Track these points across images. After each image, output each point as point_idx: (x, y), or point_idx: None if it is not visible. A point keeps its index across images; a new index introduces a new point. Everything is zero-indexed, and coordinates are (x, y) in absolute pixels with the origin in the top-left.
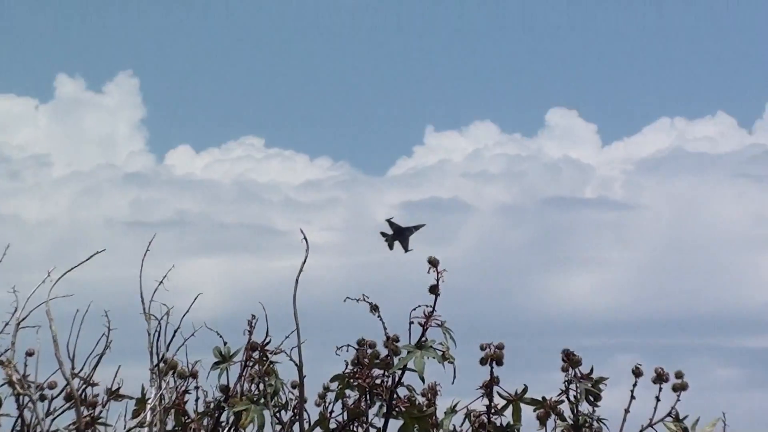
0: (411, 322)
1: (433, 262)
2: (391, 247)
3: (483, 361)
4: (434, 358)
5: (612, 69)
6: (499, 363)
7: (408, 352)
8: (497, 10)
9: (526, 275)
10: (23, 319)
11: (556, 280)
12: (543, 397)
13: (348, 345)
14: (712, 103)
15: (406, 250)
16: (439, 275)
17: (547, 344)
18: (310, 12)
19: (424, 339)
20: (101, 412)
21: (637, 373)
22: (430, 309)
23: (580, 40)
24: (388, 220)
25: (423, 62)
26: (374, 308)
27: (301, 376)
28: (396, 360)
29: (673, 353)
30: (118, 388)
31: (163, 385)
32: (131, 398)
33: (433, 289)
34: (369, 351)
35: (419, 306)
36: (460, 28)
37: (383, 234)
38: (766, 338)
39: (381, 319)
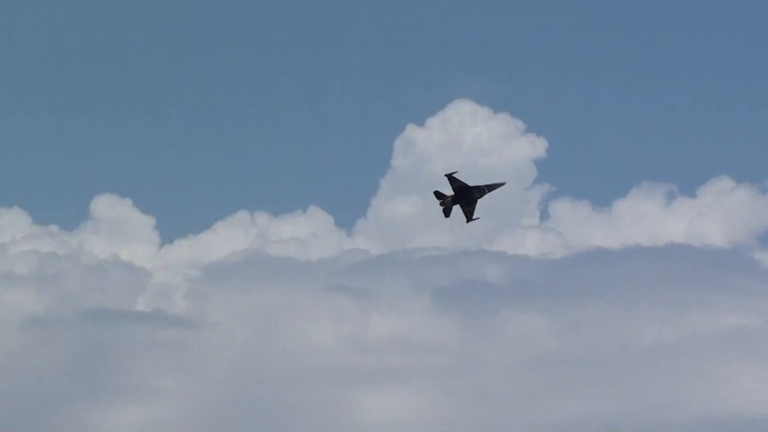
0: None
1: None
2: (447, 213)
3: None
4: None
5: (176, 152)
6: None
7: None
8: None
9: (58, 406)
10: None
11: (98, 414)
12: None
13: None
14: (303, 196)
15: (469, 219)
16: None
17: None
18: None
19: None
20: None
21: None
22: None
23: (129, 118)
24: (449, 175)
25: None
26: None
27: None
28: None
29: None
30: None
31: None
32: None
33: None
34: None
35: None
36: None
37: (438, 195)
38: None
39: None
